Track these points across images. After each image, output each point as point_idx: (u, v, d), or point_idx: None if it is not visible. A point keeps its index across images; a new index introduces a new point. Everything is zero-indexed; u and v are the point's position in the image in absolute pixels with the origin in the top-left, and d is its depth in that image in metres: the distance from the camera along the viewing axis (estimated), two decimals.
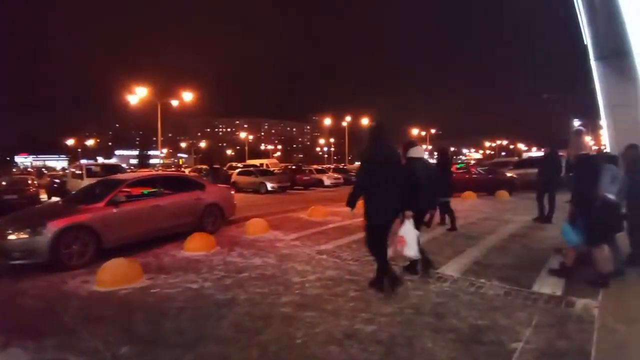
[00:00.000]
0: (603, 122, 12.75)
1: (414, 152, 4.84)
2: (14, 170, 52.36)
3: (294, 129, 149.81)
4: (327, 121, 54.85)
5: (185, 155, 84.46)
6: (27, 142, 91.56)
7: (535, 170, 9.29)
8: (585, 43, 12.41)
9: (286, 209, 10.70)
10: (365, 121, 53.42)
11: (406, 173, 4.36)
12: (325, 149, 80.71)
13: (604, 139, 15.47)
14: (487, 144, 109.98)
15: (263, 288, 4.49)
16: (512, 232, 7.32)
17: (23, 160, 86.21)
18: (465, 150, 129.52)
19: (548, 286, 4.29)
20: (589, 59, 12.77)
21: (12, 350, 3.22)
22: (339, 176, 24.83)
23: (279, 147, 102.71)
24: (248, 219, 8.37)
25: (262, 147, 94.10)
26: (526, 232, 7.28)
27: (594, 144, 44.28)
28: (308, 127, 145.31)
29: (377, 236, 4.18)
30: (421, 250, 4.53)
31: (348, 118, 50.91)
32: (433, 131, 70.13)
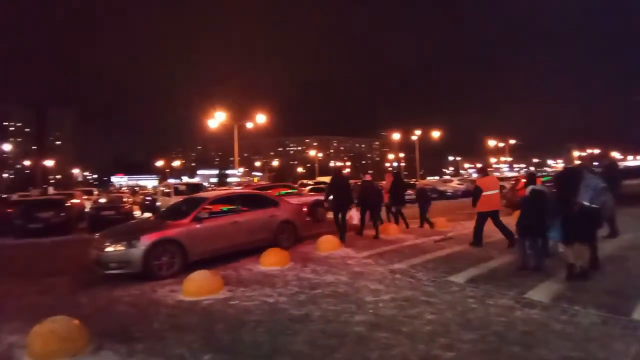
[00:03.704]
0: None
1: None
2: (111, 189, 59.33)
3: (363, 145, 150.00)
4: (396, 136, 53.92)
5: (260, 174, 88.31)
6: (122, 164, 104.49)
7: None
8: None
9: (356, 226, 10.58)
10: (436, 134, 51.60)
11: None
12: (395, 164, 79.43)
13: None
14: (577, 153, 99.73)
15: (336, 305, 4.49)
16: (609, 252, 6.19)
17: (119, 180, 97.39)
18: (550, 162, 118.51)
19: None
20: None
21: (104, 353, 3.51)
22: (411, 192, 23.72)
23: (348, 163, 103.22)
24: (319, 235, 8.45)
25: (332, 164, 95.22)
26: (626, 254, 6.21)
27: None
28: (377, 142, 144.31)
29: (337, 214, 8.74)
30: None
31: (418, 132, 49.69)
32: (512, 142, 65.04)
